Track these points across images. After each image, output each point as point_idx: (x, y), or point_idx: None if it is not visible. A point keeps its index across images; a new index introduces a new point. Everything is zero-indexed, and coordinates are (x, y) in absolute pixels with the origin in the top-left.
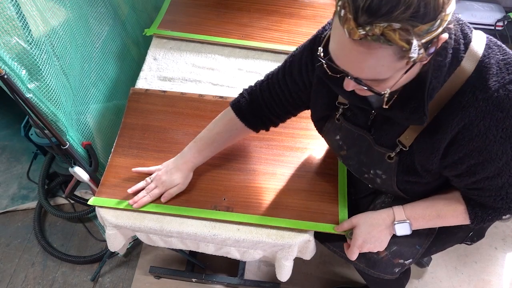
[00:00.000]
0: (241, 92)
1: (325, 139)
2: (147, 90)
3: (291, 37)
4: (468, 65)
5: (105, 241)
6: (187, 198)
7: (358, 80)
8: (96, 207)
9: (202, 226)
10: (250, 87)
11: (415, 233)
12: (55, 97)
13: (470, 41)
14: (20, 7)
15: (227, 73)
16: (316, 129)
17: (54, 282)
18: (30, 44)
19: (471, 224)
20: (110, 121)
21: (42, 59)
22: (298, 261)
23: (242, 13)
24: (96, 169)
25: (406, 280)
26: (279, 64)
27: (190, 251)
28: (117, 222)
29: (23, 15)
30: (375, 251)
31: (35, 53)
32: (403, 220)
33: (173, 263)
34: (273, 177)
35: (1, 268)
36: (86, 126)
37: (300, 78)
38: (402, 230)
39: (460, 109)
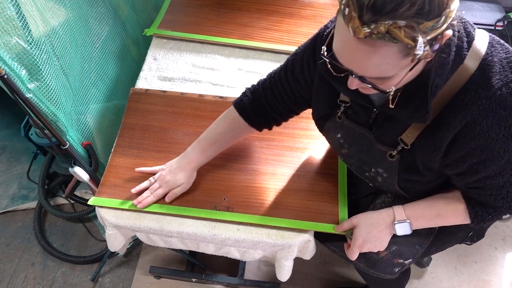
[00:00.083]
0: (244, 91)
1: (326, 137)
2: (147, 90)
3: (291, 37)
4: (471, 63)
5: (105, 241)
6: (187, 198)
7: (362, 79)
8: (96, 207)
9: (202, 226)
10: (253, 86)
11: (415, 233)
12: (55, 97)
13: (473, 39)
14: (20, 7)
15: (227, 73)
16: (317, 128)
17: (54, 282)
18: (30, 44)
19: (471, 223)
20: (110, 121)
21: (42, 59)
22: (298, 261)
23: (242, 13)
24: (96, 169)
25: (406, 280)
26: (279, 64)
27: (190, 251)
28: (117, 222)
29: (23, 15)
30: (376, 251)
31: (35, 53)
32: (403, 219)
33: (173, 263)
34: (273, 177)
35: (1, 268)
36: (86, 126)
37: (302, 76)
38: (402, 229)
39: (463, 107)
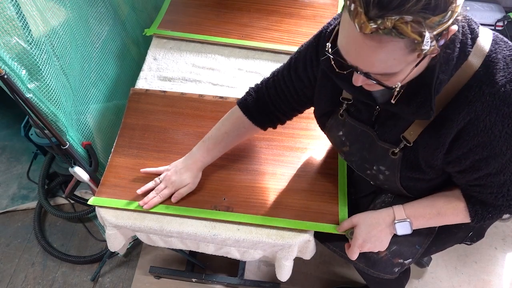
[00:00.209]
0: (248, 90)
1: (327, 135)
2: (147, 90)
3: (291, 37)
4: (475, 60)
5: (105, 241)
6: (187, 198)
7: (367, 75)
8: (96, 207)
9: (202, 226)
10: (257, 85)
11: (415, 232)
12: (55, 97)
13: (477, 36)
14: (20, 7)
15: (227, 73)
16: (319, 126)
17: (54, 282)
18: (30, 44)
19: (471, 221)
20: (110, 121)
21: (42, 59)
22: (298, 261)
23: (242, 13)
24: (96, 169)
25: (406, 280)
26: (279, 64)
27: (190, 251)
28: (117, 222)
29: (23, 15)
30: (376, 251)
31: (35, 53)
32: (403, 219)
33: (173, 263)
34: (273, 177)
35: (1, 268)
36: (86, 126)
37: (305, 74)
38: (403, 229)
39: (467, 103)
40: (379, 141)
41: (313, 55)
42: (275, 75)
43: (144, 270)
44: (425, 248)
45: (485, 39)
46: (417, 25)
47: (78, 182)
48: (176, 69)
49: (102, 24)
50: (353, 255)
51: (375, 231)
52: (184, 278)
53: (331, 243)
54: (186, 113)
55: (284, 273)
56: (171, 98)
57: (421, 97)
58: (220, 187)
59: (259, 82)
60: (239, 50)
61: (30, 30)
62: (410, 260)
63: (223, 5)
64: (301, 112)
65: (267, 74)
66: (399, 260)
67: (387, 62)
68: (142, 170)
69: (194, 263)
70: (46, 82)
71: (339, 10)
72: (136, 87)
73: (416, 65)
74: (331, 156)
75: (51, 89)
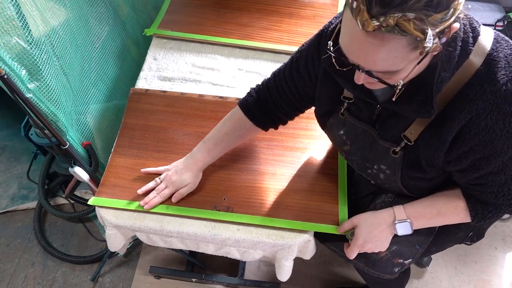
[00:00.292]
0: (249, 91)
1: (328, 134)
2: (147, 90)
3: (291, 37)
4: (476, 58)
5: (105, 241)
6: (187, 198)
7: (369, 73)
8: (96, 207)
9: (202, 226)
10: (258, 85)
11: (415, 232)
12: (55, 97)
13: (478, 34)
14: (20, 7)
15: (227, 73)
16: (319, 125)
17: (54, 282)
18: (30, 44)
19: (471, 221)
20: (110, 121)
21: (42, 59)
22: (298, 261)
23: (242, 13)
24: (96, 169)
25: (406, 280)
26: (279, 64)
27: (190, 251)
28: (117, 222)
29: (23, 15)
30: (377, 251)
31: (35, 53)
32: (404, 219)
33: (173, 263)
34: (273, 177)
35: (1, 268)
36: (86, 126)
37: (306, 73)
38: (403, 229)
39: (468, 102)
40: (380, 140)
41: (314, 54)
42: (276, 75)
43: (144, 270)
44: (425, 248)
45: (487, 37)
46: (419, 23)
47: (78, 182)
48: (176, 69)
49: (102, 24)
50: (352, 255)
51: (376, 231)
52: (184, 278)
53: (331, 243)
54: (186, 113)
55: (284, 273)
56: (171, 98)
57: (422, 95)
58: (220, 187)
59: (259, 83)
60: (239, 50)
61: (30, 30)
62: (410, 260)
63: (223, 5)
64: (303, 111)
65: (267, 74)
66: (399, 260)
67: (389, 60)
68: (143, 170)
69: (194, 263)
70: (46, 82)
71: (339, 10)
72: (136, 87)
73: (418, 63)
74: (331, 156)
75: (51, 89)
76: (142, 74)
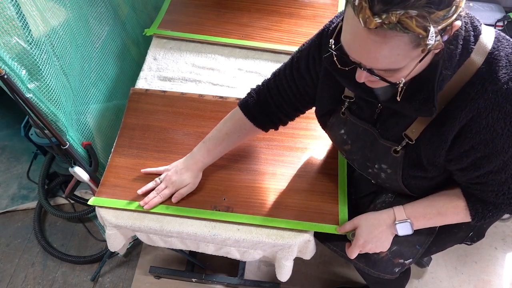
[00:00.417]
0: (249, 91)
1: (328, 134)
2: (147, 90)
3: (291, 37)
4: (477, 57)
5: (105, 241)
6: (187, 198)
7: (371, 71)
8: (96, 207)
9: (202, 226)
10: (258, 86)
11: (415, 233)
12: (55, 97)
13: (479, 33)
14: (20, 7)
15: (227, 73)
16: (320, 124)
17: (54, 282)
18: (30, 44)
19: (472, 220)
20: (110, 121)
21: (42, 59)
22: (298, 261)
23: (242, 13)
24: (96, 169)
25: (406, 280)
26: (279, 64)
27: (190, 251)
28: (117, 222)
29: (23, 15)
30: (378, 251)
31: (35, 53)
32: (404, 219)
33: (173, 263)
34: (273, 177)
35: (1, 268)
36: (86, 126)
37: (307, 73)
38: (404, 229)
39: (469, 100)
40: (381, 139)
41: (315, 53)
42: (276, 75)
43: (144, 270)
44: (425, 248)
45: (488, 36)
46: (422, 20)
47: (78, 182)
48: (176, 69)
49: (102, 24)
50: (353, 255)
51: (376, 231)
52: (184, 278)
53: (331, 243)
54: (186, 113)
55: (284, 273)
56: (171, 98)
57: (424, 94)
58: (220, 187)
59: (259, 83)
60: (239, 50)
61: (30, 30)
62: (410, 260)
63: (223, 5)
64: (303, 112)
65: (267, 74)
66: (400, 260)
67: (391, 58)
68: (143, 170)
69: (194, 263)
70: (46, 82)
71: (339, 10)
72: (136, 87)
73: (420, 61)
74: (331, 156)
75: (51, 89)
76: (142, 74)
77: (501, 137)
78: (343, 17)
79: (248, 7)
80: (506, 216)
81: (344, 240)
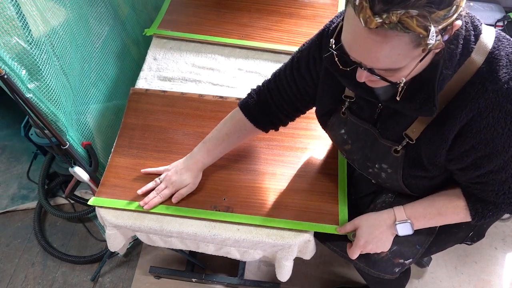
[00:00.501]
0: (249, 92)
1: (329, 134)
2: (147, 90)
3: (291, 37)
4: (477, 56)
5: (105, 241)
6: (187, 198)
7: (371, 71)
8: (96, 207)
9: (202, 226)
10: (258, 87)
11: (416, 232)
12: (55, 97)
13: (480, 33)
14: (20, 7)
15: (227, 73)
16: (320, 124)
17: (54, 282)
18: (30, 44)
19: (472, 220)
20: (110, 121)
21: (42, 59)
22: (298, 261)
23: (242, 13)
24: (96, 169)
25: (406, 280)
26: (279, 64)
27: (190, 251)
28: (117, 222)
29: (23, 15)
30: (378, 252)
31: (35, 53)
32: (404, 220)
33: (173, 263)
34: (273, 177)
35: (1, 268)
36: (86, 126)
37: (307, 73)
38: (404, 230)
39: (469, 100)
40: (382, 139)
41: (316, 53)
42: (277, 75)
43: (144, 270)
44: (425, 248)
45: (488, 36)
46: (422, 19)
47: (78, 182)
48: (176, 69)
49: (102, 24)
50: (354, 255)
51: (377, 232)
52: (184, 278)
53: (331, 243)
54: (186, 113)
55: (284, 273)
56: (171, 98)
57: (424, 93)
58: (220, 187)
59: (260, 84)
60: (239, 50)
61: (30, 30)
62: (410, 260)
63: (223, 5)
64: (304, 112)
65: (267, 74)
66: (400, 260)
67: (391, 57)
68: (143, 170)
69: (194, 263)
70: (46, 82)
71: (339, 10)
72: (136, 87)
73: (421, 61)
74: (331, 156)
75: (51, 89)
76: (142, 74)
77: (502, 137)
78: (343, 17)
79: (248, 7)
80: (506, 216)
81: (344, 240)
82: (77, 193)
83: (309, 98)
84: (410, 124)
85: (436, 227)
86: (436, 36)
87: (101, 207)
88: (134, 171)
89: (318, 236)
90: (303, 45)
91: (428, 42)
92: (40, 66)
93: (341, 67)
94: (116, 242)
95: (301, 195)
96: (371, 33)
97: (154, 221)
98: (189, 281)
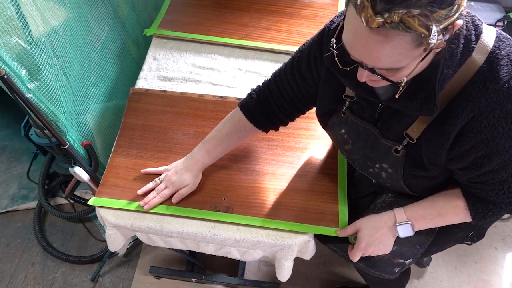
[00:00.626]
0: (249, 92)
1: (329, 133)
2: (147, 90)
3: (291, 37)
4: (478, 56)
5: (105, 241)
6: (187, 198)
7: (372, 70)
8: (96, 207)
9: (202, 226)
10: (258, 87)
11: (416, 233)
12: (55, 97)
13: (481, 32)
14: (20, 7)
15: (227, 73)
16: (321, 124)
17: (54, 282)
18: (30, 44)
19: (472, 220)
20: (110, 121)
21: (42, 59)
22: (298, 261)
23: (242, 13)
24: (96, 169)
25: (406, 280)
26: (279, 64)
27: (190, 251)
28: (117, 222)
29: (23, 15)
30: (380, 254)
31: (35, 53)
32: (405, 221)
33: (173, 263)
34: (273, 177)
35: (1, 268)
36: (86, 126)
37: (308, 72)
38: (405, 231)
39: (470, 99)
40: (382, 138)
41: (316, 53)
42: (277, 75)
43: (144, 270)
44: (425, 248)
45: (489, 35)
46: (424, 19)
47: (78, 182)
48: (176, 69)
49: (102, 24)
50: (355, 258)
51: (378, 234)
52: (184, 278)
53: (332, 243)
54: (186, 113)
55: (284, 273)
56: (171, 98)
57: (425, 93)
58: (220, 187)
59: (260, 84)
60: (239, 50)
61: (30, 30)
62: (410, 260)
63: (223, 5)
64: (304, 112)
65: (267, 74)
66: (400, 260)
67: (393, 57)
68: (142, 170)
69: (194, 263)
70: (46, 82)
71: (339, 10)
72: (136, 87)
73: (422, 60)
74: (331, 156)
75: (51, 89)
76: (142, 74)
77: (502, 136)
78: (344, 17)
79: (248, 7)
80: (506, 216)
81: (345, 240)
82: (77, 193)
83: (310, 98)
84: (410, 124)
85: (436, 227)
86: (438, 36)
87: (101, 207)
88: (134, 171)
89: (318, 236)
90: (304, 45)
91: (429, 41)
92: (40, 66)
93: (341, 66)
94: (116, 242)
95: (301, 195)
96: (373, 32)
97: (154, 221)
98: (189, 281)
